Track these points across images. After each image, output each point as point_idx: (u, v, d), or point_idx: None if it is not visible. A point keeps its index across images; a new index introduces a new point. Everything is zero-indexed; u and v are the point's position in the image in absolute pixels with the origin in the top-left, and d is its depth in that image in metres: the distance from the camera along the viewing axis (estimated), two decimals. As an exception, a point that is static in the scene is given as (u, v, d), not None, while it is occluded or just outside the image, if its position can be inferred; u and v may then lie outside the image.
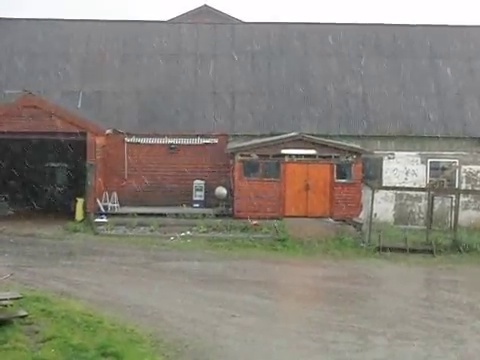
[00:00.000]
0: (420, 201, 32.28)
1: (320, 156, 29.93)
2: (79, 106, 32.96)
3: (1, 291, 15.53)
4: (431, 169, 32.91)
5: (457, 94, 34.57)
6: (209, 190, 31.27)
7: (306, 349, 14.01)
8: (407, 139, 32.88)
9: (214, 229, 28.44)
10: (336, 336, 14.93)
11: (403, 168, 32.85)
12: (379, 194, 30.92)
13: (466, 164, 32.97)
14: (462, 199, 30.23)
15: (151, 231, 28.20)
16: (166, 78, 34.78)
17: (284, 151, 29.94)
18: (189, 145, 32.28)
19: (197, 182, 31.56)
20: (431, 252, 26.12)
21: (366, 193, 29.46)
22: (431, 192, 29.53)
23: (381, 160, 32.68)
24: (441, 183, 32.90)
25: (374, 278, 23.22)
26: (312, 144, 30.00)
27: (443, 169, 33.16)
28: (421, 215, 32.13)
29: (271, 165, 30.01)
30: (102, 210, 29.97)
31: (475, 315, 17.62)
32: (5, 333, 13.22)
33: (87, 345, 12.88)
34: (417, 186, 32.15)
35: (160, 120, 33.08)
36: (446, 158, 32.97)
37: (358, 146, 31.02)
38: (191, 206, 31.20)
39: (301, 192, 29.90)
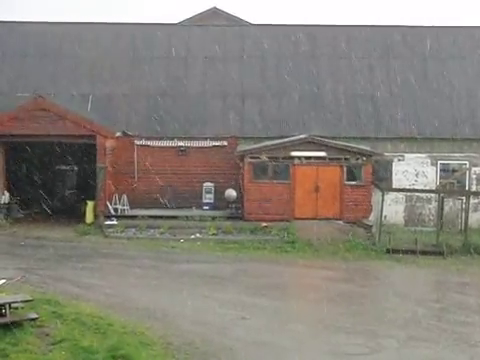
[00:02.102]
0: (430, 203, 32.20)
1: (330, 158, 29.88)
2: (89, 109, 33.08)
3: (12, 294, 15.60)
4: (441, 171, 32.83)
5: (467, 95, 34.48)
6: (219, 192, 31.27)
7: (316, 351, 14.00)
8: (417, 141, 32.80)
9: (224, 231, 28.47)
10: (346, 338, 14.92)
11: (413, 170, 32.79)
12: (389, 196, 30.87)
13: (476, 166, 32.89)
14: (472, 201, 30.11)
15: (161, 233, 28.24)
16: (176, 80, 34.85)
17: (294, 153, 29.91)
18: (199, 147, 32.30)
19: (207, 184, 31.57)
20: (441, 254, 26.02)
21: (376, 195, 29.41)
22: (441, 194, 29.47)
23: (391, 162, 32.63)
24: (451, 185, 32.81)
25: (384, 280, 23.17)
26: (322, 146, 29.96)
27: (453, 171, 33.06)
28: (431, 217, 32.04)
29: (281, 167, 30.00)
30: (112, 213, 30.05)
31: (486, 317, 17.59)
32: (16, 336, 13.28)
33: (97, 347, 12.93)
34: (427, 188, 32.05)
35: (170, 122, 33.15)
36: (456, 160, 32.89)
37: (368, 148, 30.95)
38: (201, 208, 31.22)
39: (311, 194, 29.86)
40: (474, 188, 32.60)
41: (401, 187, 31.84)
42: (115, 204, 30.51)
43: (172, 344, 13.80)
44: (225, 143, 32.26)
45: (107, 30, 36.76)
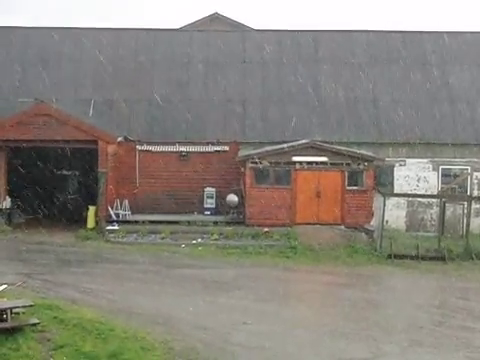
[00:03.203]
0: (432, 208, 32.17)
1: (331, 163, 29.85)
2: (91, 114, 33.10)
3: (13, 299, 15.59)
4: (443, 176, 32.80)
5: (469, 101, 34.48)
6: (220, 197, 31.25)
7: (318, 357, 13.98)
8: (419, 146, 32.79)
9: (225, 236, 28.44)
10: (348, 344, 14.89)
11: (415, 175, 32.77)
12: (391, 201, 30.83)
13: (478, 171, 32.86)
14: (474, 206, 30.07)
15: (162, 239, 28.22)
16: (177, 86, 34.88)
17: (295, 158, 29.91)
18: (200, 153, 32.28)
19: (208, 189, 31.54)
20: (443, 259, 26.01)
21: (377, 200, 29.38)
22: (443, 199, 29.43)
23: (392, 167, 32.61)
24: (453, 190, 32.78)
25: (386, 285, 23.16)
26: (323, 151, 29.95)
27: (455, 176, 33.04)
28: (433, 222, 32.00)
29: (282, 172, 29.99)
30: (113, 218, 30.03)
31: (488, 323, 17.55)
32: (17, 341, 13.28)
33: (99, 353, 12.93)
34: (429, 193, 32.04)
35: (171, 128, 33.16)
36: (458, 165, 32.85)
37: (369, 153, 30.94)
38: (202, 214, 31.20)
39: (312, 199, 29.84)
40: (476, 193, 32.57)
41: (403, 192, 31.84)
42: (116, 209, 30.50)
43: (173, 349, 13.78)
44: (227, 148, 32.24)
45: (109, 35, 36.82)
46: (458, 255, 26.45)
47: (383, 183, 31.94)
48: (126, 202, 30.81)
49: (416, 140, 32.80)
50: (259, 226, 28.92)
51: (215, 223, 29.65)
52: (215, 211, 31.23)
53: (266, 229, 28.66)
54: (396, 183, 32.72)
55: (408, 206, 32.54)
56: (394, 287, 22.72)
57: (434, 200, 31.49)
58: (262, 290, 20.45)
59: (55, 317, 15.00)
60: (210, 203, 31.46)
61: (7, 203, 30.61)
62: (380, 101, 34.39)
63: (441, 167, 32.74)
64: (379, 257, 26.27)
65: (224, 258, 25.58)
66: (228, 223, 29.91)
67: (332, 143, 30.85)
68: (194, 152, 32.29)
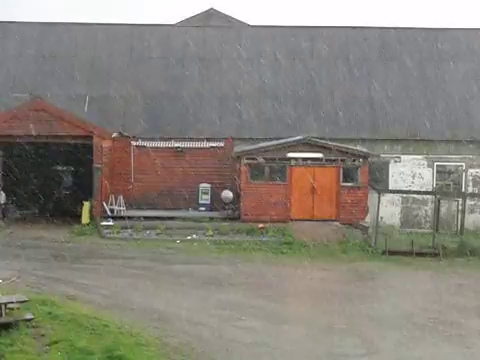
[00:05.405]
0: (426, 205, 32.25)
1: (326, 159, 29.90)
2: (86, 110, 33.04)
3: (8, 294, 15.56)
4: (437, 172, 32.88)
5: (464, 97, 34.53)
6: (215, 193, 31.28)
7: (312, 353, 13.99)
8: (414, 142, 32.86)
9: (220, 232, 28.46)
10: (342, 340, 14.90)
11: (409, 171, 32.83)
12: (385, 197, 30.90)
13: (473, 167, 32.94)
14: (468, 202, 30.19)
15: (157, 234, 28.23)
16: (173, 81, 34.85)
17: (290, 154, 29.93)
18: (195, 148, 32.31)
19: (203, 185, 31.56)
20: (437, 256, 26.06)
21: (372, 196, 29.43)
22: (437, 195, 29.49)
23: (387, 163, 32.66)
24: (447, 186, 32.84)
25: (380, 281, 23.17)
26: (318, 147, 29.98)
27: (450, 172, 33.10)
28: (427, 219, 32.10)
29: (277, 168, 30.01)
30: (108, 213, 30.03)
31: (482, 319, 17.59)
32: (11, 336, 13.25)
33: (93, 348, 12.89)
34: (423, 189, 32.09)
35: (166, 123, 33.13)
36: (453, 161, 32.93)
37: (364, 149, 30.99)
38: (197, 209, 31.21)
39: (307, 195, 29.87)
40: (470, 190, 32.64)
41: (397, 189, 31.88)
42: (111, 205, 30.49)
43: (168, 345, 13.78)
44: (222, 144, 32.29)
45: (104, 31, 36.76)
46: (452, 251, 26.50)
47: (378, 179, 31.98)
48: (121, 198, 30.81)
49: (411, 137, 32.87)
50: (254, 222, 28.95)
51: (210, 219, 29.69)
52: (210, 207, 31.26)
53: (261, 225, 28.68)
54: (391, 179, 32.79)
55: (403, 202, 32.60)
56: (388, 283, 22.74)
57: (429, 197, 31.54)
58: (257, 286, 20.46)
59: (50, 312, 14.97)
60: (205, 199, 31.49)
61: (2, 198, 30.59)
62: (375, 98, 34.42)
63: (436, 164, 32.81)
64: (374, 253, 26.33)
65: (219, 254, 25.58)
66: (223, 219, 29.94)
67: (327, 139, 30.87)
68: (189, 148, 32.31)
